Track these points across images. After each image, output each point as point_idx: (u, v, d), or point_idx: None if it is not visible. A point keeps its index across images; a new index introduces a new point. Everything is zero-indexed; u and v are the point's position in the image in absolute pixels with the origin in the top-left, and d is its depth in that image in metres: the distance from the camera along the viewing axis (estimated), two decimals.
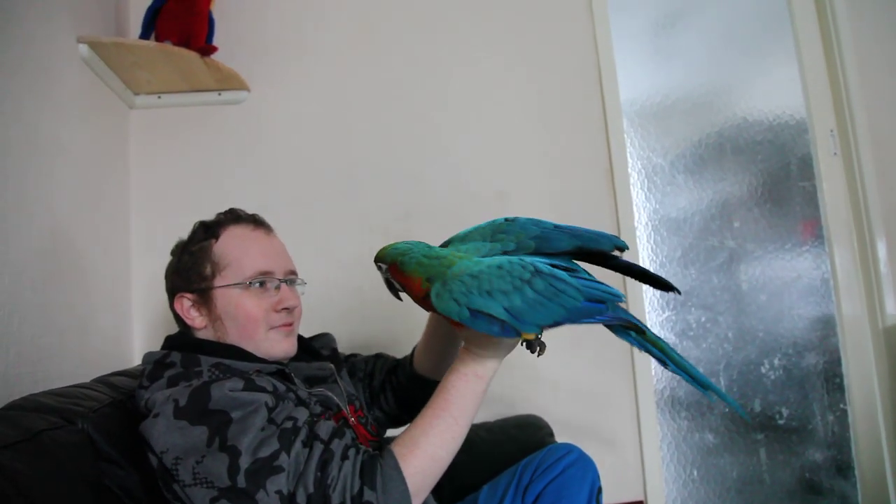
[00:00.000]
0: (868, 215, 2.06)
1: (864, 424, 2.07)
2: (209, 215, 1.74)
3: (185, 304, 1.02)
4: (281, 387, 0.94)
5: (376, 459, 0.83)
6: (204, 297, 1.01)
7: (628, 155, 2.00)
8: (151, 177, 1.79)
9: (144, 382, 0.94)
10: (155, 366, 0.95)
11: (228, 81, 1.78)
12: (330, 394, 1.03)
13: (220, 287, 1.00)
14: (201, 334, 1.03)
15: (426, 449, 0.85)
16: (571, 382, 1.89)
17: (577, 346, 1.89)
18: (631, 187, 1.98)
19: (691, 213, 2.07)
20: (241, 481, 0.79)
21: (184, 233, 1.72)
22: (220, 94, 1.83)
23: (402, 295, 0.97)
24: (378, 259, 0.96)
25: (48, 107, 1.34)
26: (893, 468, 2.04)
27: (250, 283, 1.01)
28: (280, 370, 1.00)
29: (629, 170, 1.99)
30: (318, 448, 0.83)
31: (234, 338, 1.00)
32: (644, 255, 2.01)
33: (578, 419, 1.85)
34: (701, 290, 2.05)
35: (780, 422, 2.07)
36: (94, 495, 0.89)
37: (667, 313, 2.02)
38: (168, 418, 0.84)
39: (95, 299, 1.49)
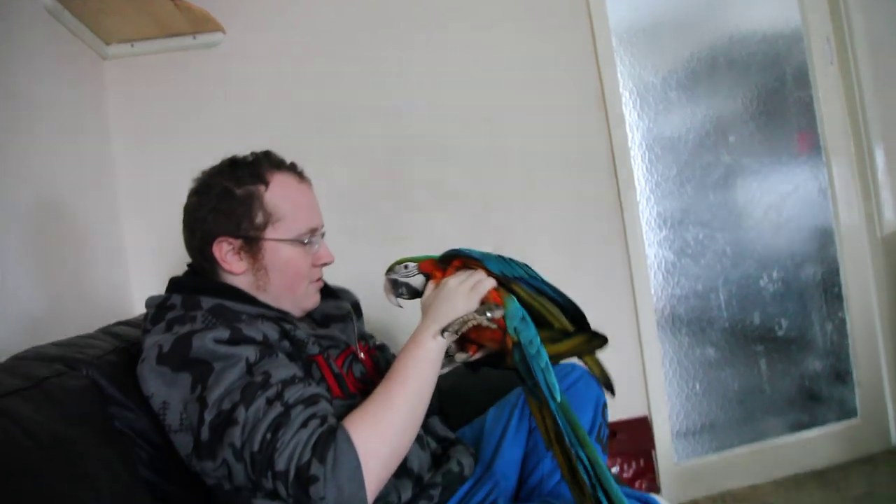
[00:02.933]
0: (866, 124, 2.03)
1: (862, 332, 2.11)
2: (195, 163, 1.73)
3: (225, 248, 0.98)
4: (274, 335, 0.92)
5: (333, 435, 0.79)
6: (250, 246, 0.99)
7: (619, 74, 1.94)
8: (132, 127, 1.75)
9: (147, 326, 0.94)
10: (157, 309, 0.95)
11: (202, 24, 1.71)
12: (336, 333, 1.04)
13: (270, 239, 0.99)
14: (236, 280, 1.00)
15: (374, 413, 0.83)
16: None
17: (575, 269, 1.89)
18: (623, 107, 1.94)
19: (685, 130, 2.02)
20: (205, 434, 0.80)
21: (170, 181, 1.69)
22: (194, 38, 1.76)
23: (403, 301, 1.05)
24: (399, 262, 1.03)
25: (18, 63, 1.30)
26: (890, 373, 2.09)
27: (304, 241, 1.01)
28: (283, 315, 0.99)
29: (620, 89, 1.94)
30: (277, 409, 0.80)
31: (275, 288, 1.00)
32: (639, 175, 1.98)
33: None
34: (698, 207, 2.03)
35: (780, 333, 2.09)
36: (104, 438, 0.88)
37: (664, 232, 2.01)
38: (151, 364, 0.85)
39: (88, 253, 1.49)
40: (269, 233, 0.99)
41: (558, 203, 1.90)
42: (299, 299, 1.03)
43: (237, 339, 0.87)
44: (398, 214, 1.81)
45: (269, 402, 0.81)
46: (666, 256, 2.01)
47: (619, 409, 1.88)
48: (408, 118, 1.84)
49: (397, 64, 1.85)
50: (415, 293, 1.03)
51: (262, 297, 1.00)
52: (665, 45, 2.02)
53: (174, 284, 1.02)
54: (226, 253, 0.98)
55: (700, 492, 1.98)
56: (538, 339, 0.92)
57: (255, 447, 0.78)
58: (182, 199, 1.70)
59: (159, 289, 1.05)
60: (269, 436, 0.78)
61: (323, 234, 1.08)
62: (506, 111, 1.88)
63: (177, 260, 1.06)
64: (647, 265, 1.97)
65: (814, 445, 2.06)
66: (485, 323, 0.90)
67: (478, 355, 1.00)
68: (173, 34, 1.74)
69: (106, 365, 0.99)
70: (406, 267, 1.02)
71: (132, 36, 1.72)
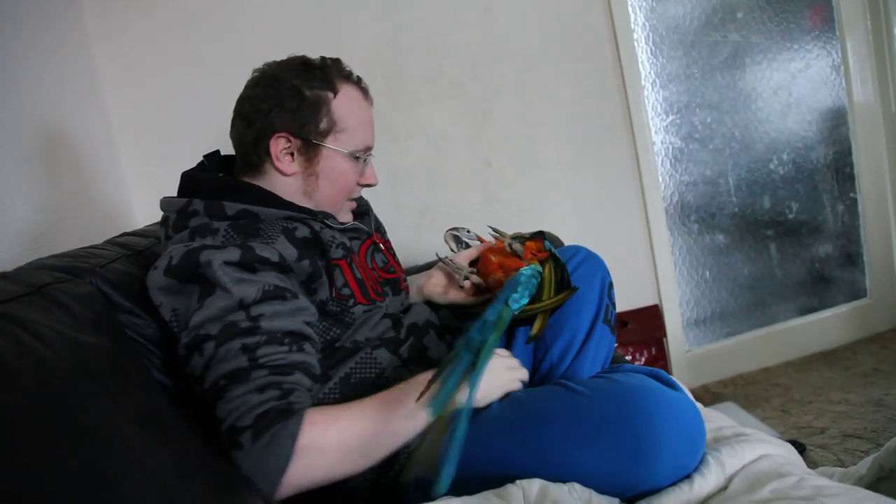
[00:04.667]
0: None
1: (874, 210, 2.09)
2: (179, 67, 1.66)
3: (283, 145, 0.95)
4: (292, 254, 0.88)
5: (282, 418, 0.74)
6: (308, 149, 0.96)
7: None
8: (113, 39, 1.64)
9: (169, 233, 0.92)
10: (178, 216, 0.92)
11: None
12: (360, 225, 1.05)
13: (330, 148, 0.97)
14: (282, 180, 0.98)
15: (343, 430, 0.79)
16: (579, 198, 1.89)
17: (581, 159, 1.86)
18: None
19: (691, 7, 1.91)
20: (181, 349, 0.82)
21: (159, 92, 1.64)
22: None
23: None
24: (464, 228, 1.22)
25: None
26: None
27: (357, 156, 1.00)
28: (312, 214, 0.97)
29: None
30: (241, 362, 0.77)
31: (320, 196, 0.99)
32: (643, 57, 1.89)
33: (589, 233, 1.85)
34: (705, 89, 1.95)
35: (790, 216, 2.07)
36: (115, 343, 0.87)
37: (671, 117, 1.94)
38: (160, 274, 0.84)
39: (85, 171, 1.46)
40: (330, 141, 0.97)
41: (560, 92, 1.83)
42: (336, 212, 1.03)
43: (248, 262, 0.83)
44: (394, 112, 1.74)
45: (244, 349, 0.78)
46: (673, 142, 1.95)
47: (629, 298, 1.89)
48: (400, 10, 1.74)
49: None
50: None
51: (302, 203, 0.98)
52: None
53: (190, 182, 0.98)
54: (281, 150, 0.96)
55: (711, 377, 2.02)
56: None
57: (207, 385, 0.78)
58: (171, 109, 1.68)
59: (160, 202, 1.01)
60: (221, 382, 0.77)
61: (371, 156, 1.05)
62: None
63: (175, 172, 1.02)
64: (654, 152, 1.92)
65: (824, 327, 2.08)
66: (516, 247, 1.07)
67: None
68: None
69: (111, 273, 0.97)
70: (469, 232, 1.21)
71: None
